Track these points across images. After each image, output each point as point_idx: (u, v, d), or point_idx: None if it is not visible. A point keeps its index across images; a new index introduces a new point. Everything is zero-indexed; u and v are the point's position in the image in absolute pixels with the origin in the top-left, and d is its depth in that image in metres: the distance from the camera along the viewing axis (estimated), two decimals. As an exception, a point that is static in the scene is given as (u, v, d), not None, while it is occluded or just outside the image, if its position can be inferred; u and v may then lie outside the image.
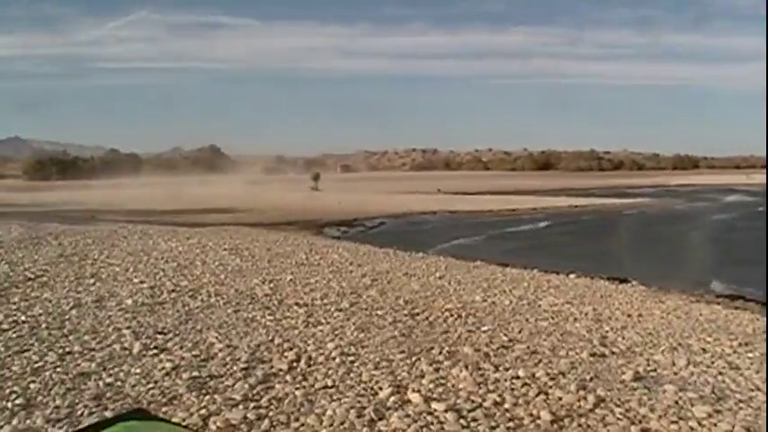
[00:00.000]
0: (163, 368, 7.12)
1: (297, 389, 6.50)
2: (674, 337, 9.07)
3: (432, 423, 5.70)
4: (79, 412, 5.88)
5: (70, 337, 8.43)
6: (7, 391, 6.39)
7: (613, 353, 8.20)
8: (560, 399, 6.29)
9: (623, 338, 8.83)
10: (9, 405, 6.02)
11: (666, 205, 51.46)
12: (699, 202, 55.41)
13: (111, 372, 7.02)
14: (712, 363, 7.86)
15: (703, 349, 8.51)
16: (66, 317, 9.55)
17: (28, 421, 5.65)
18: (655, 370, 7.49)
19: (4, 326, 8.96)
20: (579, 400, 6.29)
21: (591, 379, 7.01)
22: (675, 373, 7.34)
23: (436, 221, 37.67)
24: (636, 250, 24.09)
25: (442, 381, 6.75)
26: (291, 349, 7.84)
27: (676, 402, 6.34)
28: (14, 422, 5.61)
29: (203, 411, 5.88)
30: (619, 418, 5.93)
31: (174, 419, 5.49)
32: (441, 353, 7.78)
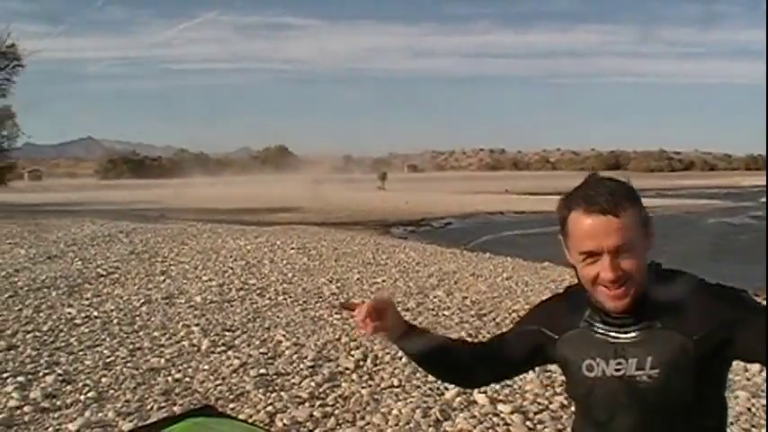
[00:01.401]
0: (230, 365, 7.19)
1: (363, 388, 6.51)
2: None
3: (498, 425, 5.64)
4: (149, 406, 5.97)
5: (140, 333, 8.58)
6: (80, 384, 6.53)
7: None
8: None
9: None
10: (81, 398, 6.15)
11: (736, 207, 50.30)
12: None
13: (179, 368, 7.12)
14: (788, 369, 7.63)
15: (779, 354, 8.26)
16: (137, 313, 9.72)
17: (99, 414, 5.75)
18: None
19: (77, 321, 9.16)
20: (649, 404, 6.16)
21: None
22: (748, 379, 7.12)
23: (504, 222, 37.44)
24: (705, 251, 23.52)
25: (509, 382, 6.69)
26: (358, 348, 7.84)
27: (749, 409, 6.12)
28: (87, 414, 5.72)
29: (270, 408, 5.91)
30: (689, 424, 5.78)
31: (240, 416, 5.54)
32: (507, 354, 7.71)
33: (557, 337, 2.01)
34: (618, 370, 1.84)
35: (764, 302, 1.89)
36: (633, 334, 1.84)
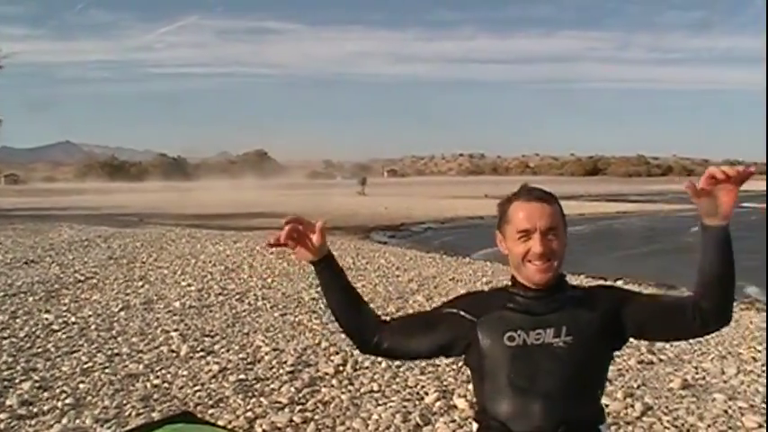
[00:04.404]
0: (210, 371, 7.17)
1: (343, 393, 6.51)
2: (724, 346, 8.89)
3: (477, 429, 5.66)
4: (127, 413, 5.95)
5: (119, 339, 8.54)
6: (57, 390, 6.50)
7: (661, 360, 8.07)
8: (607, 406, 6.19)
9: (671, 346, 8.65)
10: (59, 404, 6.11)
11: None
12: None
13: (158, 373, 7.10)
14: (763, 372, 7.69)
15: (753, 358, 8.33)
16: (115, 319, 9.69)
17: (77, 421, 5.73)
18: (704, 378, 7.34)
19: (55, 326, 9.11)
20: (626, 408, 6.21)
21: (638, 386, 6.92)
22: (725, 382, 7.21)
23: (483, 227, 37.48)
24: (682, 256, 23.64)
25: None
26: (338, 353, 7.84)
27: (725, 411, 6.20)
28: (64, 421, 5.69)
29: (249, 414, 5.91)
30: (666, 427, 5.83)
31: (220, 422, 5.54)
32: (487, 358, 7.72)
33: (475, 319, 2.26)
34: (537, 339, 2.17)
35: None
36: (550, 310, 2.20)
